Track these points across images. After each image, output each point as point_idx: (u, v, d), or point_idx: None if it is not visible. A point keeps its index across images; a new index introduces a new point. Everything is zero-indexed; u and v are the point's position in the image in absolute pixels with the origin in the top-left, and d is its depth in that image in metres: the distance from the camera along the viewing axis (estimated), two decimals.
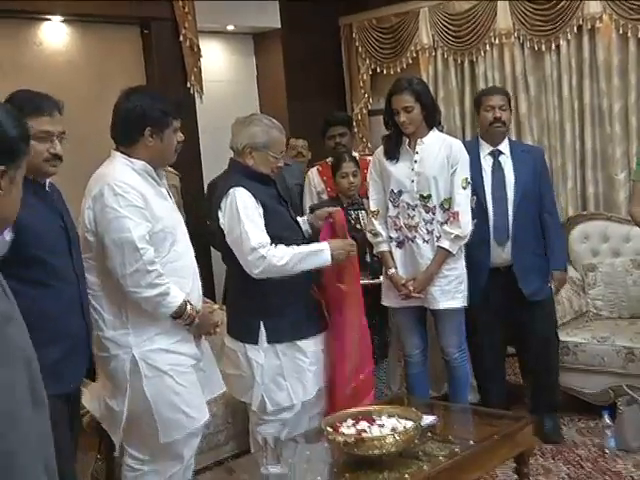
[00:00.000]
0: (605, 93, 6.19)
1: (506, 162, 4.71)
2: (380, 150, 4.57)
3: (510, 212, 4.64)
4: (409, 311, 4.56)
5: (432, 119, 4.46)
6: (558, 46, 6.36)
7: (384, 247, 4.53)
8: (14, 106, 2.93)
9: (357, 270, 4.12)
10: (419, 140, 4.43)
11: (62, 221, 3.14)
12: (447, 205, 4.40)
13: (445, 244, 4.38)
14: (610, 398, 4.86)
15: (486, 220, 4.65)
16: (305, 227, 4.10)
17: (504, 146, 4.74)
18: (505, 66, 6.66)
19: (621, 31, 6.00)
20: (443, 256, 4.41)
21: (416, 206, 4.41)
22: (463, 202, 4.40)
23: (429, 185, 4.38)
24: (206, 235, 4.84)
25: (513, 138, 4.81)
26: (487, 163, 4.71)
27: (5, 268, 2.82)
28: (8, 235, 2.87)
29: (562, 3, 6.23)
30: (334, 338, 3.99)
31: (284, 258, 3.71)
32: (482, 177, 4.68)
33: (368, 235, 4.61)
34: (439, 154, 4.41)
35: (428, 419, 3.56)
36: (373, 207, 4.55)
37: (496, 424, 3.77)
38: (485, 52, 6.76)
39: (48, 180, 3.15)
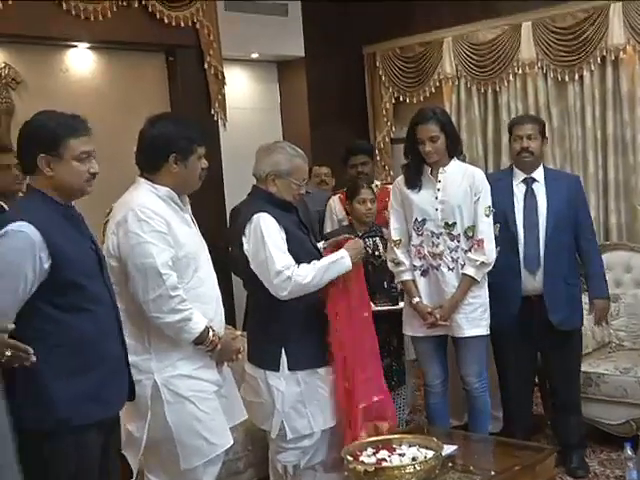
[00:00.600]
0: (628, 124, 6.19)
1: (539, 189, 4.66)
2: (400, 179, 4.57)
3: (542, 240, 4.59)
4: (431, 340, 4.54)
5: (454, 148, 4.47)
6: (582, 76, 6.39)
7: (407, 276, 4.51)
8: (51, 127, 2.98)
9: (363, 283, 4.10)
10: (441, 169, 4.43)
11: (92, 243, 3.13)
12: (471, 233, 4.40)
13: (470, 271, 4.37)
14: (632, 430, 4.82)
15: (516, 248, 4.61)
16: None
17: (538, 173, 4.69)
18: (528, 96, 6.68)
19: None
20: (468, 283, 4.39)
21: (441, 234, 4.41)
22: (487, 230, 4.40)
23: (454, 213, 4.38)
24: (228, 261, 4.85)
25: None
26: (520, 190, 4.68)
27: (40, 294, 2.86)
28: (47, 262, 2.87)
29: (586, 34, 6.25)
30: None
31: (309, 275, 3.73)
32: (514, 205, 4.65)
33: (390, 264, 4.59)
34: (462, 183, 4.41)
35: (449, 449, 3.54)
36: (395, 236, 4.54)
37: (517, 455, 3.75)
38: (508, 82, 6.78)
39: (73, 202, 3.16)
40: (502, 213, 4.59)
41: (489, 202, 4.42)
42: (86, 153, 3.01)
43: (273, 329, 3.86)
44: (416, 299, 4.45)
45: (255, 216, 3.77)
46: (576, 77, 6.40)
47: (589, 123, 6.37)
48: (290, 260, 3.73)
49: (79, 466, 2.97)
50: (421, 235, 4.45)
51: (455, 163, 4.47)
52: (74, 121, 3.03)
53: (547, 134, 6.30)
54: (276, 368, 3.83)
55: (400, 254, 4.50)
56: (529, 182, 4.68)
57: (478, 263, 4.36)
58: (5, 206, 4.47)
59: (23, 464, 2.87)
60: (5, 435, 2.27)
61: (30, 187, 3.03)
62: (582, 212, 4.72)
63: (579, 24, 6.29)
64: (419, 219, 4.44)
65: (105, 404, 3.05)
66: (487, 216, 4.40)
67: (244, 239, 3.80)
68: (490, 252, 4.39)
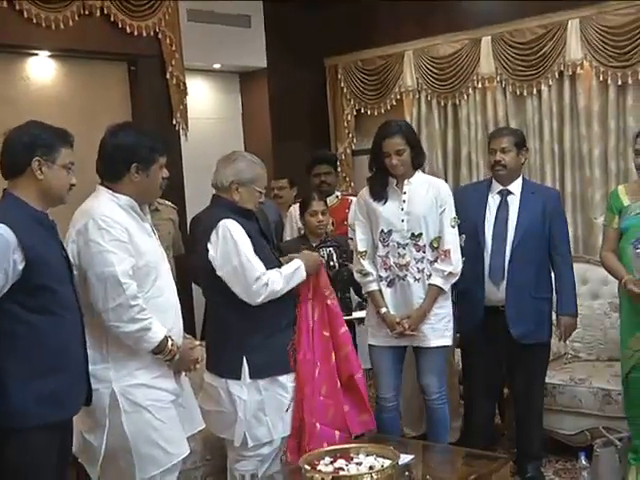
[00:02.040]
0: (585, 138, 6.29)
1: (513, 202, 4.70)
2: (365, 191, 4.59)
3: (507, 252, 4.63)
4: (391, 351, 4.55)
5: (419, 161, 4.52)
6: (539, 91, 6.48)
7: (374, 286, 4.53)
8: (48, 134, 3.04)
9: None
10: (406, 181, 4.48)
11: (63, 250, 3.20)
12: (436, 244, 4.44)
13: (438, 282, 4.42)
14: (587, 440, 4.88)
15: (482, 258, 4.66)
16: None
17: (515, 186, 4.72)
18: (487, 110, 6.77)
19: (601, 78, 6.12)
20: (436, 293, 4.44)
21: (407, 245, 4.44)
22: (453, 240, 4.45)
23: (420, 224, 4.43)
24: (188, 270, 4.85)
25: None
26: (494, 202, 4.73)
27: (11, 295, 2.90)
28: (21, 264, 2.92)
29: (544, 49, 6.34)
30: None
31: (280, 282, 3.82)
32: (485, 215, 4.70)
33: (357, 275, 4.60)
34: (427, 195, 4.46)
35: (406, 458, 3.57)
36: (361, 248, 4.56)
37: (473, 464, 3.79)
38: (468, 95, 6.86)
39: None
40: (473, 223, 4.65)
41: (454, 214, 4.48)
42: (72, 164, 3.15)
43: (234, 338, 3.87)
44: (383, 309, 4.47)
45: (221, 222, 3.79)
46: (534, 91, 6.50)
47: (547, 137, 6.47)
48: (263, 266, 3.78)
49: (37, 464, 3.02)
50: (387, 246, 4.48)
51: (420, 175, 4.53)
52: (64, 133, 3.17)
53: None
54: (237, 377, 3.84)
55: (367, 265, 4.53)
56: (504, 194, 4.72)
57: (446, 273, 4.41)
58: None
59: None
60: None
61: (6, 192, 3.10)
62: (557, 227, 4.72)
63: (538, 39, 6.39)
64: (385, 230, 4.47)
65: (65, 406, 3.12)
66: (453, 227, 4.46)
67: (209, 246, 3.80)
68: (457, 262, 4.44)
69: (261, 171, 3.98)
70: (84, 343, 3.24)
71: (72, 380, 3.13)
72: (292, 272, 3.90)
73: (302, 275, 3.94)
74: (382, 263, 4.51)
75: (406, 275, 4.46)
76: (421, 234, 4.43)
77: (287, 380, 3.92)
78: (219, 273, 3.80)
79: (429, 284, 4.43)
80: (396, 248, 4.46)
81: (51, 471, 3.09)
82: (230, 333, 3.88)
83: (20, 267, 2.93)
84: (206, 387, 4.00)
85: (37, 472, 3.03)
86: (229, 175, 3.90)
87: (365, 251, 4.54)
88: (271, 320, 3.88)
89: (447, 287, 4.46)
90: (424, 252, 4.44)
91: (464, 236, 4.60)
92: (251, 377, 3.84)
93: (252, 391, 3.85)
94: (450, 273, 4.42)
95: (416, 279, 4.45)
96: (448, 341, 4.53)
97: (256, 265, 3.76)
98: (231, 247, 3.76)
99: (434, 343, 4.48)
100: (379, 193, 4.51)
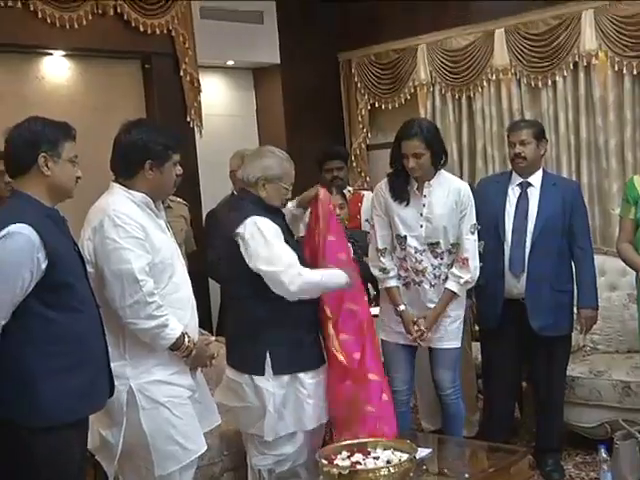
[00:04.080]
0: (601, 129, 6.24)
1: (533, 194, 4.68)
2: (384, 187, 4.49)
3: (528, 244, 4.61)
4: (405, 347, 4.53)
5: (439, 162, 4.42)
6: (554, 82, 6.44)
7: (393, 283, 4.48)
8: (52, 129, 3.05)
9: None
10: (427, 183, 4.39)
11: (75, 245, 3.20)
12: (455, 249, 4.40)
13: (454, 287, 4.37)
14: (607, 432, 4.86)
15: (502, 250, 4.64)
16: None
17: (535, 178, 4.71)
18: (502, 102, 6.73)
19: (616, 68, 6.07)
20: (450, 298, 4.40)
21: (424, 251, 4.39)
22: (472, 247, 4.39)
23: (438, 233, 4.37)
24: (206, 265, 4.86)
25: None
26: (514, 194, 4.71)
27: (33, 293, 2.92)
28: (44, 263, 2.93)
29: (558, 40, 6.30)
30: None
31: (317, 274, 3.78)
32: (505, 208, 4.68)
33: (376, 272, 4.52)
34: (448, 199, 4.38)
35: (423, 452, 3.57)
36: (381, 245, 4.47)
37: (491, 457, 3.78)
38: (482, 88, 6.82)
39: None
40: (493, 215, 4.63)
41: (474, 219, 4.41)
42: (75, 157, 3.14)
43: (256, 333, 3.85)
44: (402, 307, 4.44)
45: (249, 219, 3.76)
46: (549, 83, 6.45)
47: (562, 128, 6.42)
48: (296, 257, 3.76)
49: (63, 461, 3.04)
50: (404, 250, 4.42)
51: (440, 176, 4.43)
52: (66, 127, 3.15)
53: None
54: (261, 372, 3.83)
55: (387, 262, 4.46)
56: (524, 186, 4.71)
57: (462, 281, 4.37)
58: None
59: (12, 459, 2.95)
60: None
61: (15, 191, 3.09)
62: (577, 219, 4.70)
63: (552, 30, 6.35)
64: (402, 235, 4.42)
65: (90, 401, 3.13)
66: (472, 233, 4.40)
67: (240, 241, 3.77)
68: (475, 270, 4.39)
69: (289, 168, 3.96)
70: (104, 336, 3.25)
71: (95, 373, 3.14)
72: (333, 271, 3.86)
73: (342, 277, 3.86)
74: (400, 265, 4.47)
75: (422, 281, 4.42)
76: (438, 242, 4.38)
77: (306, 377, 3.90)
78: (251, 265, 3.76)
79: (445, 288, 4.40)
80: (413, 254, 4.40)
81: (75, 468, 3.10)
82: (254, 327, 3.86)
83: (43, 266, 2.93)
84: (228, 383, 3.98)
85: (63, 470, 3.04)
86: (256, 171, 3.89)
87: (385, 248, 4.47)
88: (296, 314, 3.86)
89: (463, 293, 4.43)
90: (442, 259, 4.40)
91: (483, 242, 4.54)
92: (274, 373, 3.83)
93: (277, 385, 3.84)
94: (467, 281, 4.39)
95: (432, 285, 4.41)
96: (459, 343, 4.52)
97: (288, 254, 3.73)
98: (261, 241, 3.72)
99: (446, 345, 4.47)
100: (400, 194, 4.42)
